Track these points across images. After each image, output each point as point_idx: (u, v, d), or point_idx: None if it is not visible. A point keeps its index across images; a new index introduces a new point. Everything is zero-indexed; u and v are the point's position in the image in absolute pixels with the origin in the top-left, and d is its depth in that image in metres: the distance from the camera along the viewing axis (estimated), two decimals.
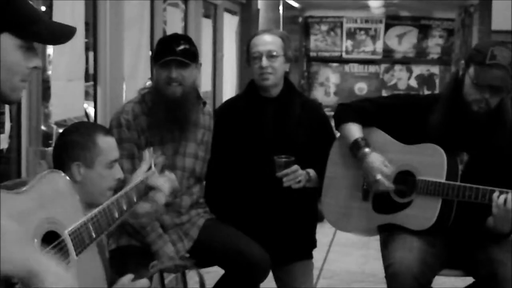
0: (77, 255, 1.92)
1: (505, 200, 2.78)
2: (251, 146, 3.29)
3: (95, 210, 2.13)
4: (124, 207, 2.36)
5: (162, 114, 3.11)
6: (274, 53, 3.28)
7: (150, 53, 4.69)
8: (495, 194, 2.81)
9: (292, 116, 3.33)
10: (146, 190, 2.62)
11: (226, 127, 3.34)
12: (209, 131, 3.31)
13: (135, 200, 2.48)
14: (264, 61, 3.26)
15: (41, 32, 1.78)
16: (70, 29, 1.86)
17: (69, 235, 1.91)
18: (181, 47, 3.10)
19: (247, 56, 3.37)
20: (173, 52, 3.08)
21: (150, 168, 2.70)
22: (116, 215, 2.27)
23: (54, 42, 1.93)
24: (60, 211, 1.92)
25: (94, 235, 2.04)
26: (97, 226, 2.08)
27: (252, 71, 3.34)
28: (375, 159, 3.04)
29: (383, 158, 3.05)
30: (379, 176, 3.01)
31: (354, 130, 3.12)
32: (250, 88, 3.40)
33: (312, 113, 3.39)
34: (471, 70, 2.89)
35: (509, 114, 2.97)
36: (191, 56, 3.12)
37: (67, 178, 2.04)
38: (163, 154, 2.89)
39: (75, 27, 1.88)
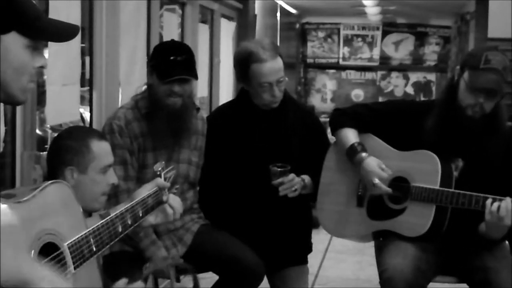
0: (75, 268, 1.87)
1: (498, 207, 2.78)
2: (246, 154, 3.27)
3: (98, 223, 2.08)
4: (129, 222, 2.28)
5: (162, 124, 3.09)
6: (282, 79, 3.19)
7: (146, 58, 4.68)
8: (488, 201, 2.80)
9: (286, 123, 3.30)
10: (153, 206, 2.49)
11: (220, 135, 3.32)
12: (202, 136, 3.30)
13: (140, 215, 2.38)
14: (277, 91, 3.17)
15: (46, 28, 1.73)
16: (73, 26, 1.82)
17: (68, 248, 1.86)
18: (182, 58, 3.05)
19: (245, 78, 3.20)
20: (176, 68, 3.02)
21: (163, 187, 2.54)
22: (120, 229, 2.20)
23: (59, 39, 1.85)
24: (62, 222, 1.87)
25: (94, 249, 1.99)
26: (98, 240, 2.03)
27: (254, 92, 3.21)
28: (372, 163, 3.04)
29: (380, 161, 3.05)
30: (376, 180, 3.01)
31: (350, 135, 3.12)
32: (243, 95, 3.35)
33: (305, 119, 3.38)
34: (466, 74, 2.89)
35: (504, 119, 2.98)
36: (193, 70, 3.10)
37: (71, 188, 2.00)
38: (173, 169, 2.70)
39: (78, 25, 1.84)
